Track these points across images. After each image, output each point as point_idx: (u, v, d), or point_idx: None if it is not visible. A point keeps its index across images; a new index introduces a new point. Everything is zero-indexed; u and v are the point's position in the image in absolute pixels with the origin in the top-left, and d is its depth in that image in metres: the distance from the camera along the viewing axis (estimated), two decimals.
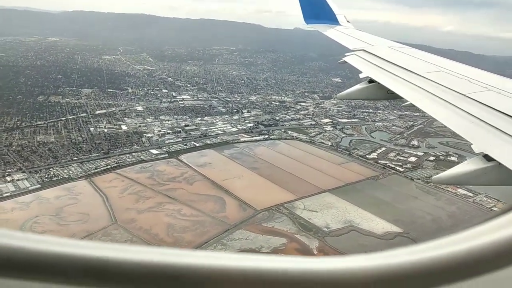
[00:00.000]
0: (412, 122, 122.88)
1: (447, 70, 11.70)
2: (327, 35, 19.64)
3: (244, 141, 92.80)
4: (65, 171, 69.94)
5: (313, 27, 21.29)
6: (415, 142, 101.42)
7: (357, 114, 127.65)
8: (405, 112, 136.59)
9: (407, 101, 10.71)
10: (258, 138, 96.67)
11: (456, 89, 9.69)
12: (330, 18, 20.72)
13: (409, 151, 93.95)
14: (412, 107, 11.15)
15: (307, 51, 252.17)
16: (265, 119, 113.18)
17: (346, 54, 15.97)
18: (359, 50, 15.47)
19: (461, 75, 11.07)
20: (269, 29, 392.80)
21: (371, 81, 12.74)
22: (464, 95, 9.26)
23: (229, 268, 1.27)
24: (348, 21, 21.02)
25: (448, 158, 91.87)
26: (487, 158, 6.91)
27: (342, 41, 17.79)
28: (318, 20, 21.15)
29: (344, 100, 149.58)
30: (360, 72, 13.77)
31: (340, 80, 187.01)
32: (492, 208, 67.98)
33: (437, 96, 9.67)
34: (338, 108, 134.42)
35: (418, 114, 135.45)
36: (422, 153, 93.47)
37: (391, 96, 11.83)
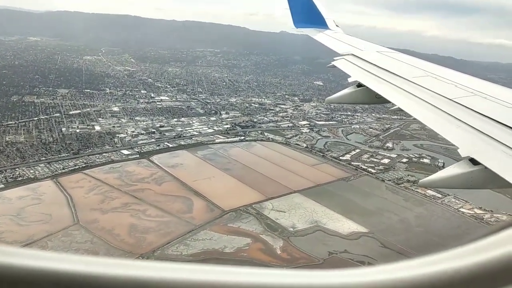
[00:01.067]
0: (389, 125, 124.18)
1: (434, 75, 11.79)
2: (316, 39, 19.59)
3: (219, 142, 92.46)
4: (31, 171, 68.63)
5: (302, 31, 21.26)
6: (389, 144, 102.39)
7: (335, 117, 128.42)
8: (383, 115, 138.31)
9: (395, 105, 10.62)
10: (234, 139, 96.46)
11: (443, 93, 9.75)
12: (319, 22, 20.83)
13: (382, 153, 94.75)
14: (400, 111, 11.12)
15: (291, 54, 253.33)
16: (243, 121, 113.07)
17: (335, 58, 15.91)
18: (347, 55, 15.46)
19: (447, 80, 11.15)
20: (255, 31, 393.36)
21: (359, 85, 12.72)
22: (451, 99, 9.33)
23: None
24: (337, 26, 21.13)
25: (421, 160, 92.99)
26: (474, 162, 6.94)
27: (331, 45, 17.76)
28: (308, 24, 21.19)
29: (323, 103, 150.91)
30: (349, 76, 13.73)
31: (321, 84, 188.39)
32: (459, 209, 68.87)
33: (424, 101, 9.71)
34: (317, 111, 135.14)
35: (396, 117, 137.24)
36: (396, 155, 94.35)
37: (379, 100, 11.83)
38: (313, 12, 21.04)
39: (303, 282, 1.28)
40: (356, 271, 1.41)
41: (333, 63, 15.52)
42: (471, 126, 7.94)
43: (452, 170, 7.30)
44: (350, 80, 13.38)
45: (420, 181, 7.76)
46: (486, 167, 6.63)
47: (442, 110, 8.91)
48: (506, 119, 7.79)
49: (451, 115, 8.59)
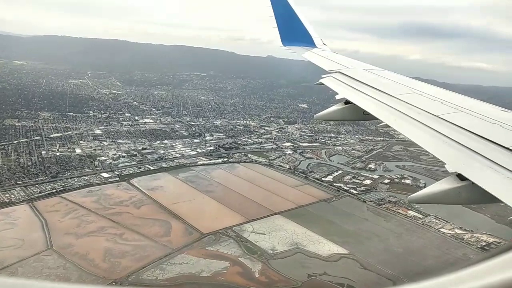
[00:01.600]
0: (371, 147, 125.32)
1: (420, 91, 11.94)
2: (303, 57, 19.73)
3: (202, 164, 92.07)
4: (7, 195, 67.08)
5: (290, 49, 21.37)
6: (372, 166, 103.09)
7: (318, 139, 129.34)
8: (366, 137, 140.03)
9: (382, 122, 10.72)
10: (217, 161, 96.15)
11: (429, 110, 9.91)
12: (307, 41, 21.09)
13: (365, 174, 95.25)
14: (386, 127, 10.87)
15: (277, 78, 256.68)
16: (227, 143, 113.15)
17: (322, 76, 15.99)
18: (335, 72, 15.64)
19: (433, 96, 11.30)
20: (242, 56, 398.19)
21: (347, 102, 12.80)
22: (436, 116, 9.47)
23: None
24: (324, 44, 21.33)
25: (402, 181, 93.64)
26: (461, 177, 6.99)
27: (318, 63, 17.87)
28: (295, 43, 21.41)
29: (307, 125, 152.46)
30: (336, 93, 13.77)
31: (306, 106, 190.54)
32: (440, 229, 69.01)
33: (411, 117, 9.85)
34: (301, 133, 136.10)
35: (379, 138, 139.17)
36: (378, 176, 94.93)
37: (366, 117, 11.87)
38: (300, 31, 21.40)
39: None
40: None
41: (321, 80, 15.67)
42: (458, 142, 8.04)
43: (440, 186, 7.34)
44: (337, 97, 13.48)
45: (408, 197, 7.77)
46: (473, 183, 6.72)
47: (428, 126, 9.09)
48: (492, 135, 7.99)
49: (437, 131, 8.75)
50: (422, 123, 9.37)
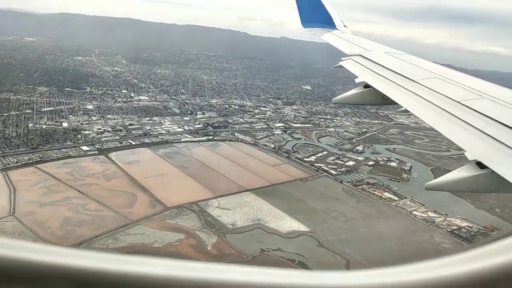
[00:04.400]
0: (366, 129, 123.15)
1: (442, 76, 11.70)
2: (323, 39, 19.63)
3: (185, 141, 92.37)
4: None
5: (310, 30, 21.19)
6: (360, 148, 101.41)
7: (313, 120, 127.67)
8: (364, 119, 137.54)
9: (402, 107, 10.61)
10: (201, 138, 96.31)
11: (451, 96, 9.71)
12: (327, 22, 20.72)
13: (350, 156, 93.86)
14: (406, 112, 10.77)
15: (286, 60, 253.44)
16: (217, 121, 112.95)
17: (342, 58, 15.83)
18: (355, 55, 15.34)
19: (455, 82, 11.07)
20: (255, 36, 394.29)
21: (366, 86, 12.61)
22: (458, 102, 9.26)
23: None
24: (345, 26, 20.90)
25: (388, 163, 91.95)
26: (480, 165, 6.86)
27: (338, 45, 17.56)
28: (315, 24, 21.08)
29: (306, 106, 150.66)
30: (356, 76, 13.59)
31: (309, 88, 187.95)
32: (412, 212, 67.81)
33: (431, 103, 9.69)
34: (296, 114, 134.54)
35: (376, 121, 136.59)
36: (363, 158, 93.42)
37: (386, 101, 11.77)
38: (321, 12, 21.04)
39: (298, 282, 1.28)
40: (355, 273, 1.39)
41: (341, 63, 15.41)
42: (479, 129, 7.79)
43: (459, 173, 7.18)
44: (357, 80, 13.21)
45: (426, 184, 7.68)
46: (493, 171, 6.53)
47: (449, 112, 8.83)
48: None
49: (458, 118, 8.48)
50: (443, 109, 9.14)
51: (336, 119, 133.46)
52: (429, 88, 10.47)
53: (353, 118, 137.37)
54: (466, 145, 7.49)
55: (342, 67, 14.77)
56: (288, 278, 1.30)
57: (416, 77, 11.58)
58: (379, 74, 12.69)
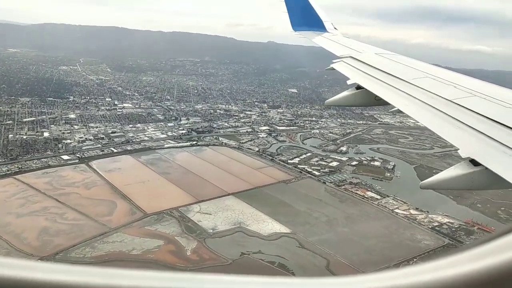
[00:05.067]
0: (350, 130, 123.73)
1: (433, 76, 11.75)
2: (314, 42, 19.68)
3: (168, 147, 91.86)
4: None
5: (300, 34, 21.25)
6: (344, 148, 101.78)
7: (298, 122, 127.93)
8: (349, 120, 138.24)
9: (394, 107, 10.62)
10: (185, 144, 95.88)
11: (442, 94, 9.79)
12: (317, 25, 20.78)
13: (333, 157, 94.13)
14: (399, 112, 10.74)
15: (273, 63, 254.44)
16: (202, 126, 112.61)
17: (333, 60, 15.78)
18: (346, 57, 15.42)
19: (446, 80, 11.13)
20: (242, 42, 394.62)
21: (358, 87, 12.62)
22: (450, 100, 9.34)
23: None
24: (335, 28, 20.99)
25: (371, 163, 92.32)
26: (474, 162, 6.92)
27: (329, 47, 17.66)
28: (306, 27, 21.16)
29: (291, 109, 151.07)
30: (348, 78, 13.58)
31: (296, 91, 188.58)
32: (394, 210, 68.07)
33: (423, 102, 9.75)
34: (282, 117, 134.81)
35: (361, 122, 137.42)
36: (347, 158, 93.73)
37: (378, 102, 11.82)
38: (311, 15, 21.12)
39: None
40: (353, 279, 1.36)
41: (332, 65, 15.41)
42: (471, 127, 7.91)
43: (453, 171, 7.23)
44: (349, 82, 13.21)
45: (421, 182, 7.63)
46: (486, 168, 6.62)
47: (441, 111, 8.96)
48: (506, 119, 7.83)
49: (451, 116, 8.62)
50: (435, 108, 9.25)
51: (321, 121, 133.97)
52: (421, 88, 10.60)
53: (338, 120, 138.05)
54: (459, 143, 7.61)
55: (334, 69, 14.93)
56: (283, 287, 1.27)
57: (408, 77, 11.73)
58: (371, 75, 12.85)
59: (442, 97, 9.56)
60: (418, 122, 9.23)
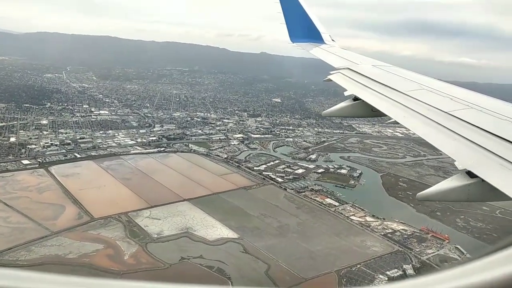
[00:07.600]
0: (325, 139, 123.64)
1: (429, 88, 11.81)
2: (311, 53, 20.03)
3: (134, 153, 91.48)
4: None
5: (299, 45, 21.52)
6: (313, 156, 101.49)
7: (274, 131, 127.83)
8: (326, 130, 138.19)
9: (391, 118, 10.66)
10: (152, 150, 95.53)
11: (439, 106, 9.83)
12: (315, 37, 21.00)
13: (301, 164, 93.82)
14: (396, 124, 10.91)
15: (261, 74, 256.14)
16: (174, 133, 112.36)
17: (331, 72, 15.89)
18: (343, 68, 15.50)
19: (442, 92, 11.17)
20: (234, 52, 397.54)
21: (355, 98, 12.68)
22: (446, 112, 9.38)
23: None
24: (333, 40, 21.21)
25: (338, 170, 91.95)
26: (470, 174, 7.00)
27: (327, 59, 17.78)
28: (304, 39, 21.32)
29: (271, 118, 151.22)
30: (345, 90, 13.45)
31: (279, 100, 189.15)
32: (349, 217, 67.54)
33: (420, 114, 9.79)
34: (259, 125, 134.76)
35: (338, 131, 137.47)
36: (314, 166, 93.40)
37: (375, 113, 11.83)
38: (309, 27, 21.29)
39: None
40: None
41: (329, 77, 15.51)
42: (467, 139, 7.93)
43: (449, 183, 7.32)
44: (346, 93, 13.27)
45: (418, 194, 7.47)
46: (483, 180, 6.67)
47: (438, 123, 8.99)
48: (502, 132, 7.88)
49: (447, 128, 8.65)
50: (432, 120, 9.30)
51: (298, 130, 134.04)
52: (418, 100, 10.61)
53: (315, 129, 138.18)
54: (456, 154, 7.64)
55: (331, 80, 15.01)
56: None
57: (404, 88, 11.78)
58: (368, 87, 12.89)
59: (439, 109, 9.62)
60: (415, 133, 9.32)
